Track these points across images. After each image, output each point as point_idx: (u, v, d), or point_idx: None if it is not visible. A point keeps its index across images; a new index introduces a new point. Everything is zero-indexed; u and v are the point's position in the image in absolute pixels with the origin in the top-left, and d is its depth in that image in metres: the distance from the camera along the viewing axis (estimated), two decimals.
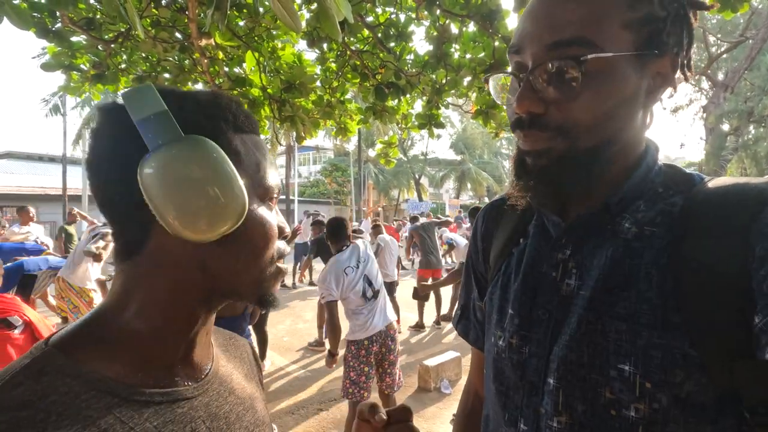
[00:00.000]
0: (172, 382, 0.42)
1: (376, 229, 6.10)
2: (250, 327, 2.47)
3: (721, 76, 14.21)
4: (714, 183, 0.47)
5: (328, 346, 2.86)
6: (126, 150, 0.39)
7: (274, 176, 0.47)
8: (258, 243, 0.44)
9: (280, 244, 0.48)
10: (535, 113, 0.48)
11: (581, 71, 0.44)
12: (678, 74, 0.50)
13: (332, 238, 2.88)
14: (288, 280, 8.66)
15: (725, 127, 13.46)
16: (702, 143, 14.37)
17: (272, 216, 0.46)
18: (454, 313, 0.79)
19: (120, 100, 0.40)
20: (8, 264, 3.27)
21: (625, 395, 0.43)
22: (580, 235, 0.52)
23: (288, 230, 0.49)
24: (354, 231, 5.67)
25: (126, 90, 0.40)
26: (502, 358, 0.56)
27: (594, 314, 0.47)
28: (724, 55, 13.74)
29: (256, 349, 0.64)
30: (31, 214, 5.54)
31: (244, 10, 2.22)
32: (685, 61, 0.50)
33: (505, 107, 0.55)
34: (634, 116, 0.49)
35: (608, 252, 0.49)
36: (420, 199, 26.57)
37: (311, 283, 8.54)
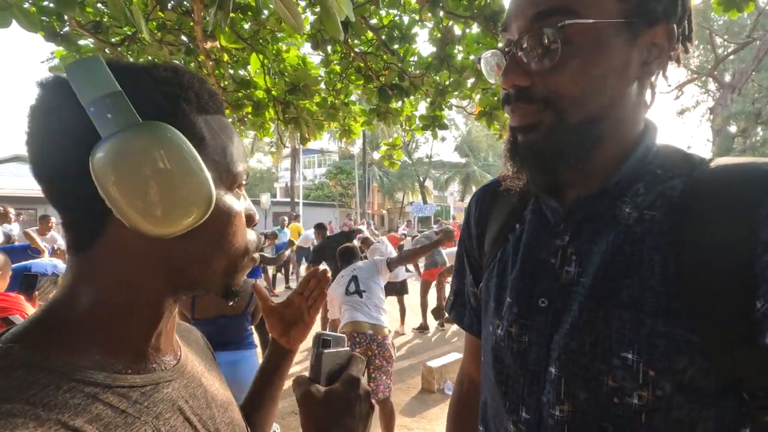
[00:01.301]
0: (149, 368, 0.41)
1: (365, 242, 5.98)
2: (252, 327, 2.47)
3: (728, 78, 14.10)
4: (715, 164, 0.46)
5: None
6: (74, 134, 0.35)
7: (242, 161, 0.44)
8: (225, 234, 0.41)
9: (251, 235, 0.45)
10: (521, 86, 0.48)
11: (561, 39, 0.44)
12: (679, 49, 0.48)
13: (343, 263, 3.26)
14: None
15: (732, 128, 13.36)
16: (709, 145, 14.27)
17: (240, 204, 0.43)
18: (447, 299, 0.79)
19: (65, 75, 0.35)
20: (15, 264, 3.30)
21: (628, 383, 0.43)
22: (578, 221, 0.51)
23: (257, 218, 0.46)
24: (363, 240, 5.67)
25: (70, 63, 0.34)
26: (501, 347, 0.55)
27: (596, 302, 0.46)
28: (731, 57, 13.64)
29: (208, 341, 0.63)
30: (50, 224, 5.40)
31: (249, 13, 2.24)
32: (684, 32, 0.49)
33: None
34: (626, 90, 0.47)
35: (609, 238, 0.48)
36: (424, 201, 26.56)
37: None
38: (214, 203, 0.38)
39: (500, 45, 0.52)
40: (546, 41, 0.45)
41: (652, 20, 0.45)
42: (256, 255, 0.47)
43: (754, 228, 0.39)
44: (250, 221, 0.45)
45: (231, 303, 0.54)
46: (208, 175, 0.37)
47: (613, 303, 0.45)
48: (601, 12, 0.44)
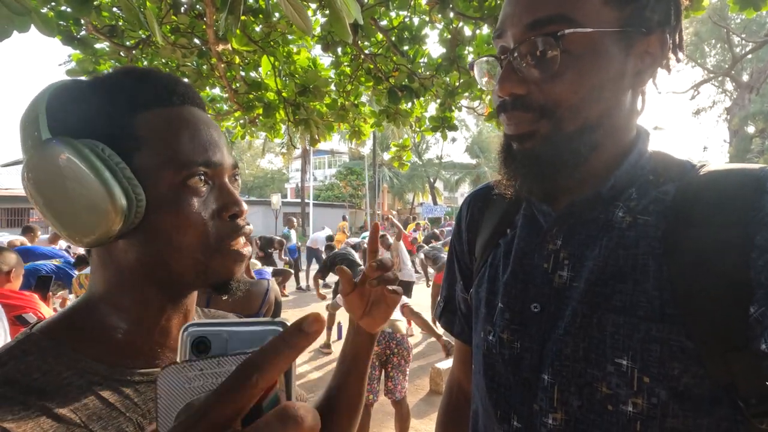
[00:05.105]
0: (152, 364, 0.43)
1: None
2: None
3: (745, 77, 13.81)
4: (707, 170, 0.46)
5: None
6: None
7: (204, 150, 0.41)
8: (170, 230, 0.40)
9: (223, 226, 0.43)
10: (518, 94, 0.47)
11: (560, 48, 0.44)
12: (671, 56, 0.48)
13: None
14: (303, 282, 8.73)
15: (750, 129, 13.07)
16: (726, 146, 13.99)
17: (192, 199, 0.41)
18: (436, 305, 0.76)
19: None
20: (27, 264, 3.38)
21: (623, 390, 0.42)
22: (571, 225, 0.51)
23: (244, 208, 0.44)
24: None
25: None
26: (493, 353, 0.54)
27: (589, 307, 0.46)
28: (749, 56, 13.34)
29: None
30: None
31: (260, 16, 2.27)
32: (675, 41, 0.48)
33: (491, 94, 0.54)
34: (622, 98, 0.47)
35: (602, 242, 0.47)
36: (435, 202, 26.48)
37: (326, 286, 8.59)
38: (153, 199, 0.39)
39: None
40: (544, 50, 0.44)
41: (648, 29, 0.45)
42: (244, 249, 0.45)
43: (748, 232, 0.39)
44: (224, 210, 0.43)
45: (225, 297, 0.50)
46: (108, 181, 0.36)
47: (606, 308, 0.45)
48: (599, 21, 0.44)
